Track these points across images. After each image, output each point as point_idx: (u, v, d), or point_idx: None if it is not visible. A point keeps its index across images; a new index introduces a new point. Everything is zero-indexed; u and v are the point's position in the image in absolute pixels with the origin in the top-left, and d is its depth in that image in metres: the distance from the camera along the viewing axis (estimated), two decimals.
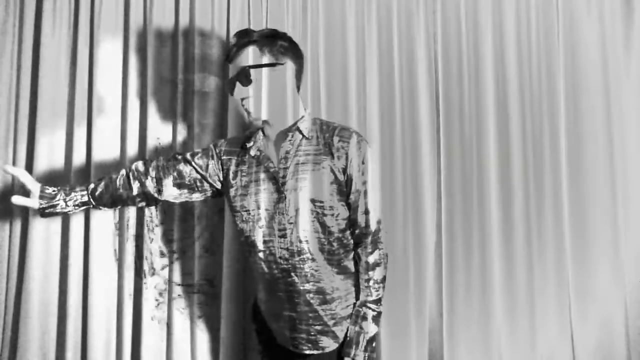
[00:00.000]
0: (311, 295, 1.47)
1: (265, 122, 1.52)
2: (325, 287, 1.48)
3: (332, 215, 1.46)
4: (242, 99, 1.49)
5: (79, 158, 1.93)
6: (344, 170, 1.47)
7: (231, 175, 1.56)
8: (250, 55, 1.48)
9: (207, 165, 1.60)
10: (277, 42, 1.49)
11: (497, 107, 2.10)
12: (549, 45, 2.14)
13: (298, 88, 1.54)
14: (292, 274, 1.47)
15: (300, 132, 1.50)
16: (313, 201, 1.45)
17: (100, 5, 1.95)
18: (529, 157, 2.09)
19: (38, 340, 1.88)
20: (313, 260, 1.46)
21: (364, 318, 1.49)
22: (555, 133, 2.11)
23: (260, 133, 1.56)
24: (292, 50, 1.52)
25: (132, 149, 1.95)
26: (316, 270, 1.47)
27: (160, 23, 1.98)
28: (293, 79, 1.52)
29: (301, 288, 1.47)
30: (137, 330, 1.94)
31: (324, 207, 1.46)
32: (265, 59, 1.47)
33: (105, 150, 1.94)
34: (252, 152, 1.54)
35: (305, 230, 1.45)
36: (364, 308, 1.50)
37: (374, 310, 1.49)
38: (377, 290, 1.50)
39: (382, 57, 2.06)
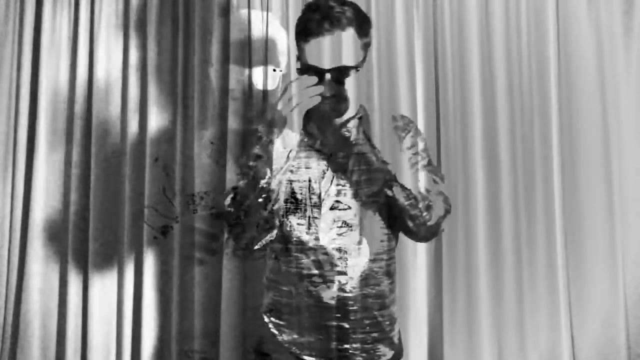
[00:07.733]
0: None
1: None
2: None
3: None
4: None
5: (78, 158, 1.93)
6: None
7: None
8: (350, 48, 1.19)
9: None
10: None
11: (484, 109, 2.06)
12: (541, 45, 2.11)
13: None
14: None
15: None
16: None
17: (100, 5, 1.96)
18: (518, 159, 2.06)
19: (38, 340, 1.88)
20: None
21: None
22: (547, 129, 2.08)
23: None
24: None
25: (133, 143, 1.96)
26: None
27: (160, 22, 1.99)
28: None
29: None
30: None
31: None
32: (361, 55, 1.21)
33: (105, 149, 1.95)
34: None
35: None
36: None
37: None
38: None
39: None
